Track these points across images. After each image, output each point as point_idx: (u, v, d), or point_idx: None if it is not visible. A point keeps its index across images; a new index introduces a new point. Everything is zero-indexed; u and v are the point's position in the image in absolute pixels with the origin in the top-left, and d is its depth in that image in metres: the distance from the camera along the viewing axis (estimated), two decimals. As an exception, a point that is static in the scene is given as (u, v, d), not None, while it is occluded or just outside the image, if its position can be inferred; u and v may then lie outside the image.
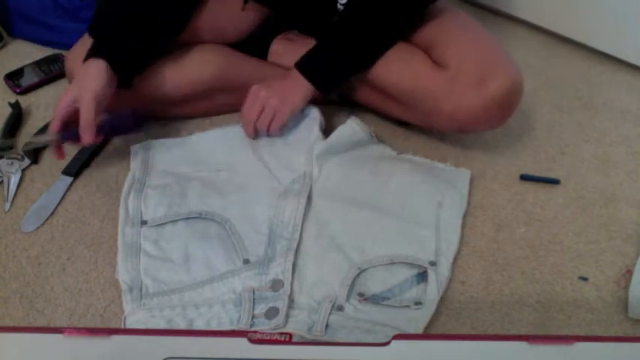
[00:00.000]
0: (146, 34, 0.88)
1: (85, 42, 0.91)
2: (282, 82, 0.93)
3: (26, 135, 1.00)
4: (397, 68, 0.90)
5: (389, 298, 0.77)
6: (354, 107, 1.05)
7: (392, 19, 0.90)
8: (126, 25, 0.87)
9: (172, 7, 0.91)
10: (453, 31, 0.90)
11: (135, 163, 0.93)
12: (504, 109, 0.87)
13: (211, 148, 0.96)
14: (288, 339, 0.71)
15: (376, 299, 0.77)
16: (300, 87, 0.92)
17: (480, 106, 0.85)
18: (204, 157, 0.94)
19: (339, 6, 0.96)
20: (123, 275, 0.78)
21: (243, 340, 0.58)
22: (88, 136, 0.82)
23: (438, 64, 0.89)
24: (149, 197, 0.88)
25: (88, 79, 0.82)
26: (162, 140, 0.98)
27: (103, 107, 0.83)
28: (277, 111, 0.91)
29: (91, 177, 0.94)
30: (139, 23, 0.88)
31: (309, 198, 0.88)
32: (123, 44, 0.86)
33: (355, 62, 0.93)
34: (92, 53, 0.84)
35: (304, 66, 0.92)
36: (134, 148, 0.96)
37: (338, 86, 0.95)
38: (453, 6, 0.94)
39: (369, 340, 0.71)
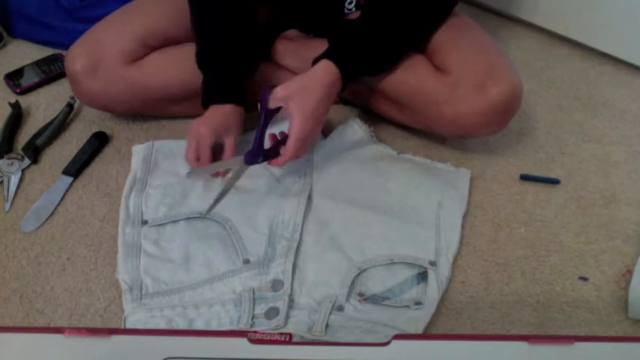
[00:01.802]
0: (247, 57, 0.92)
1: (85, 42, 0.92)
2: (304, 92, 0.81)
3: (26, 135, 1.00)
4: (399, 73, 0.90)
5: (389, 298, 0.77)
6: (354, 107, 1.05)
7: (421, 13, 0.88)
8: (232, 56, 0.90)
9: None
10: (454, 36, 0.90)
11: (136, 163, 0.93)
12: (504, 114, 0.87)
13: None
14: (288, 339, 0.71)
15: (376, 299, 0.77)
16: (325, 88, 0.81)
17: (481, 112, 0.85)
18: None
19: (345, 10, 0.96)
20: (123, 275, 0.78)
21: (243, 340, 0.58)
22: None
23: (439, 69, 0.89)
24: (150, 197, 0.88)
25: (229, 124, 0.89)
26: (163, 141, 0.98)
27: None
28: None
29: (91, 177, 0.94)
30: (239, 50, 0.90)
31: (309, 198, 0.88)
32: (238, 78, 0.91)
33: (385, 55, 0.89)
34: (219, 99, 0.90)
35: (337, 54, 0.83)
36: (135, 148, 0.96)
37: (358, 67, 0.87)
38: (454, 9, 0.93)
39: (369, 340, 0.72)
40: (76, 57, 0.90)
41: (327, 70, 0.82)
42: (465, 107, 0.86)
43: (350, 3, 0.96)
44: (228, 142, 0.90)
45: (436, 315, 0.77)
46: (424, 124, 0.95)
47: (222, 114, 0.89)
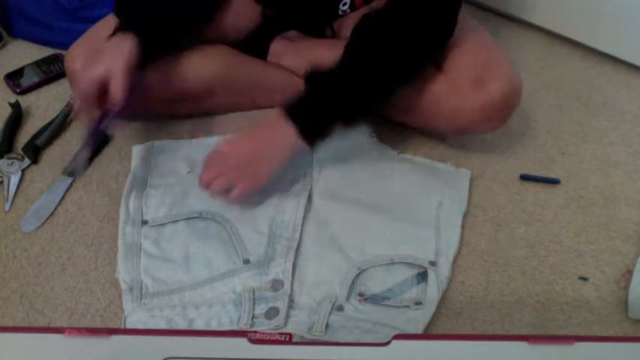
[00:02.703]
0: (172, 13, 0.88)
1: (84, 41, 0.92)
2: (259, 131, 0.84)
3: (26, 135, 0.99)
4: None
5: (389, 298, 0.77)
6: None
7: (400, 65, 0.83)
8: (152, 2, 0.86)
9: None
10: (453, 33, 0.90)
11: (136, 163, 0.93)
12: (503, 111, 0.87)
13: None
14: (288, 339, 0.71)
15: (376, 299, 0.77)
16: (281, 135, 0.82)
17: (479, 109, 0.85)
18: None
19: (340, 12, 0.96)
20: (123, 275, 0.78)
21: (243, 340, 0.58)
22: (120, 100, 0.80)
23: (437, 66, 0.89)
24: (151, 197, 0.88)
25: (119, 51, 0.80)
26: (163, 141, 0.98)
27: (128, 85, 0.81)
28: (242, 186, 0.83)
29: (91, 177, 0.94)
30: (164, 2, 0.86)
31: (310, 198, 0.88)
32: (150, 19, 0.85)
33: (352, 110, 0.84)
34: (121, 28, 0.83)
35: (289, 108, 0.82)
36: (135, 148, 0.96)
37: (322, 134, 0.84)
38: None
39: (369, 340, 0.71)
40: (76, 57, 0.90)
41: (277, 123, 0.82)
42: (463, 104, 0.86)
43: (344, 4, 0.96)
44: (116, 72, 0.80)
45: (436, 315, 0.77)
46: (423, 121, 0.94)
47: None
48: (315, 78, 0.84)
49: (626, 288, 0.80)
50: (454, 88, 0.85)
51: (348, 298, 0.77)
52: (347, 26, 0.98)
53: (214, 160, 0.84)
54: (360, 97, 0.83)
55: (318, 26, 1.00)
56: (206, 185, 0.83)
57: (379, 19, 0.83)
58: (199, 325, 0.74)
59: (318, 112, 0.83)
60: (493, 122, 0.89)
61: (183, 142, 0.98)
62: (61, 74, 1.10)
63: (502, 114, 0.88)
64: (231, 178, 0.82)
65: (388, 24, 0.82)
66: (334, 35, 1.00)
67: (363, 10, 0.97)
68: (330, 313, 0.74)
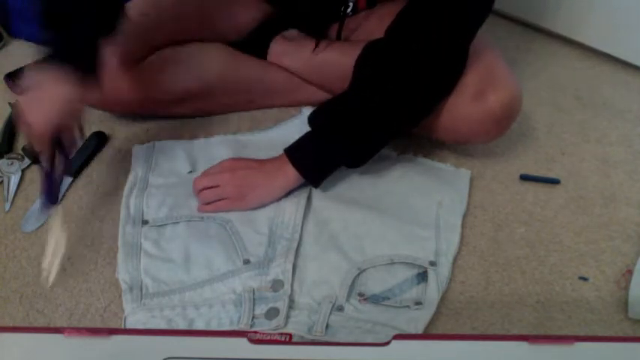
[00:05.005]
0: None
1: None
2: (263, 165, 0.85)
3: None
4: None
5: (389, 298, 0.77)
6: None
7: (407, 105, 0.82)
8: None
9: None
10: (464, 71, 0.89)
11: (137, 163, 0.93)
12: (503, 122, 0.87)
13: (213, 151, 0.96)
14: (288, 339, 0.71)
15: (376, 299, 0.77)
16: (282, 176, 0.84)
17: (479, 120, 0.85)
18: (207, 159, 0.94)
19: (342, 13, 0.96)
20: (123, 275, 0.78)
21: (243, 340, 0.58)
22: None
23: None
24: (152, 196, 0.88)
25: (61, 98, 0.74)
26: (164, 141, 0.98)
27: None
28: (226, 200, 0.85)
29: (91, 177, 0.94)
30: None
31: (309, 198, 0.88)
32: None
33: (354, 151, 0.85)
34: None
35: (293, 152, 0.84)
36: (136, 148, 0.96)
37: (327, 175, 0.86)
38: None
39: (369, 340, 0.72)
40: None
41: (281, 165, 0.84)
42: (463, 116, 0.85)
43: (347, 7, 0.96)
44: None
45: (436, 315, 0.77)
46: (422, 131, 0.94)
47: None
48: (316, 119, 0.84)
49: (626, 288, 0.80)
50: (454, 99, 0.85)
51: (348, 298, 0.77)
52: (349, 27, 0.98)
53: (213, 169, 0.87)
54: (365, 138, 0.84)
55: (320, 27, 1.00)
56: (197, 191, 0.86)
57: (382, 53, 0.81)
58: (199, 325, 0.74)
59: (320, 156, 0.84)
60: (493, 132, 0.88)
61: (184, 142, 0.98)
62: (61, 74, 1.10)
63: (501, 125, 0.87)
64: (220, 192, 0.85)
65: (391, 58, 0.80)
66: (335, 36, 1.00)
67: (364, 13, 0.97)
68: (330, 313, 0.74)
